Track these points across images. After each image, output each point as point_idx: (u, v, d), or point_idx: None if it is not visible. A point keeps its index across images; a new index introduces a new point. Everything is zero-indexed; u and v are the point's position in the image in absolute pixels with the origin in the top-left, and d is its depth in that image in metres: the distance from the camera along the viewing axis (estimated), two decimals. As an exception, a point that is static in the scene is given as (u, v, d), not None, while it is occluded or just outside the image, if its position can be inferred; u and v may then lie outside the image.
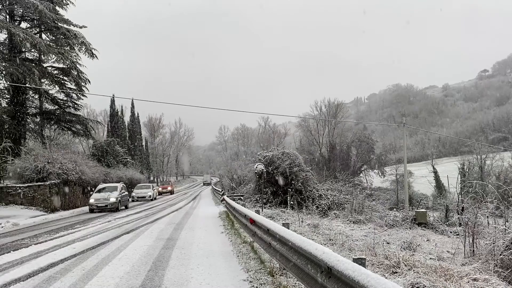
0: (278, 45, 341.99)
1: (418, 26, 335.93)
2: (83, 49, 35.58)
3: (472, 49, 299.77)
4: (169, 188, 54.17)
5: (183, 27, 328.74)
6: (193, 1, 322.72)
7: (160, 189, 51.59)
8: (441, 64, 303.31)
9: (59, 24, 33.92)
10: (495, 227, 10.25)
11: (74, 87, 36.57)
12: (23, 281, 7.29)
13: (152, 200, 37.28)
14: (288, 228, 7.04)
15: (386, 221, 19.73)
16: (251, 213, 10.58)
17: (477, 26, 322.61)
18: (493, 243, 9.02)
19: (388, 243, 11.91)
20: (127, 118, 68.25)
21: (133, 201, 34.84)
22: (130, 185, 43.47)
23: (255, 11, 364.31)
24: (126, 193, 27.73)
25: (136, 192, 37.96)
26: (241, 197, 27.34)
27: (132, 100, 67.00)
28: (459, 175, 38.51)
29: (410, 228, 18.31)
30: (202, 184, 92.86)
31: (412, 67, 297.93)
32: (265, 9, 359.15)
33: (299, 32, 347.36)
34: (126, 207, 26.78)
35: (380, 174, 66.72)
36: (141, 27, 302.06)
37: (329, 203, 24.62)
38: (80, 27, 35.78)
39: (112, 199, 23.91)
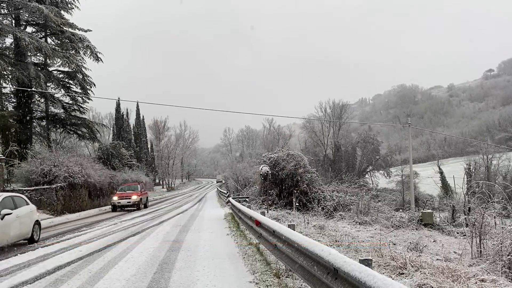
0: (283, 48, 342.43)
1: (422, 26, 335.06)
2: (88, 52, 35.79)
3: (477, 49, 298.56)
4: (134, 198, 27.52)
5: (187, 31, 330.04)
6: (198, 5, 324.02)
7: (115, 198, 27.57)
8: (446, 64, 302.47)
9: (64, 28, 34.13)
10: (502, 227, 10.17)
11: (80, 91, 36.77)
12: (30, 284, 7.32)
13: None
14: (294, 230, 7.03)
15: (392, 222, 19.63)
16: (256, 215, 10.58)
17: (482, 25, 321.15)
18: (501, 244, 8.95)
19: (394, 244, 11.85)
20: (132, 121, 68.66)
21: None
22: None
23: (258, 14, 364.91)
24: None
25: None
26: (247, 199, 27.31)
27: (137, 103, 67.44)
28: (465, 176, 38.29)
29: (416, 229, 18.20)
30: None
31: (416, 67, 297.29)
32: (267, 12, 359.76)
33: (303, 34, 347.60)
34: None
35: (386, 175, 66.48)
36: (146, 31, 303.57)
37: (335, 204, 24.53)
38: (85, 31, 36.01)
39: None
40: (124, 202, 27.42)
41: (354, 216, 20.96)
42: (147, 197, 31.83)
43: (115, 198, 27.76)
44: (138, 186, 30.32)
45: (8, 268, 8.66)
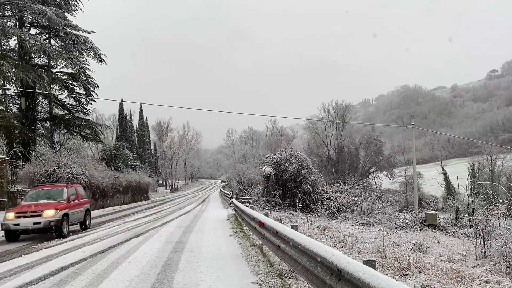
0: (285, 49, 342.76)
1: (426, 27, 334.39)
2: (92, 54, 35.84)
3: (481, 49, 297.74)
4: (49, 214, 13.57)
5: (191, 33, 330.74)
6: (199, 8, 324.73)
7: (10, 216, 13.47)
8: (450, 65, 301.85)
9: (68, 30, 34.22)
10: (506, 228, 10.15)
11: (83, 92, 36.81)
12: (34, 284, 7.35)
13: None
14: (297, 231, 7.03)
15: (395, 223, 19.58)
16: (259, 215, 10.58)
17: (486, 25, 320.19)
18: (505, 245, 8.92)
19: (398, 245, 11.82)
20: (135, 122, 68.87)
21: None
22: (139, 189, 43.63)
23: (259, 15, 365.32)
24: None
25: None
26: (250, 200, 27.30)
27: (141, 104, 67.62)
28: (469, 176, 38.16)
29: (420, 230, 18.14)
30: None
31: (420, 68, 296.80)
32: (268, 13, 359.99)
33: (305, 35, 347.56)
34: None
35: (389, 175, 66.23)
36: (148, 33, 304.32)
37: (338, 205, 24.50)
38: (89, 33, 36.08)
39: None
40: (26, 223, 13.44)
41: (357, 217, 20.93)
42: (86, 211, 16.93)
43: (10, 214, 13.72)
44: (64, 190, 15.67)
45: (13, 269, 8.69)
